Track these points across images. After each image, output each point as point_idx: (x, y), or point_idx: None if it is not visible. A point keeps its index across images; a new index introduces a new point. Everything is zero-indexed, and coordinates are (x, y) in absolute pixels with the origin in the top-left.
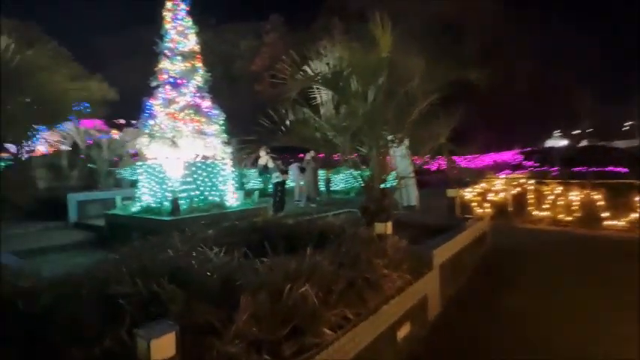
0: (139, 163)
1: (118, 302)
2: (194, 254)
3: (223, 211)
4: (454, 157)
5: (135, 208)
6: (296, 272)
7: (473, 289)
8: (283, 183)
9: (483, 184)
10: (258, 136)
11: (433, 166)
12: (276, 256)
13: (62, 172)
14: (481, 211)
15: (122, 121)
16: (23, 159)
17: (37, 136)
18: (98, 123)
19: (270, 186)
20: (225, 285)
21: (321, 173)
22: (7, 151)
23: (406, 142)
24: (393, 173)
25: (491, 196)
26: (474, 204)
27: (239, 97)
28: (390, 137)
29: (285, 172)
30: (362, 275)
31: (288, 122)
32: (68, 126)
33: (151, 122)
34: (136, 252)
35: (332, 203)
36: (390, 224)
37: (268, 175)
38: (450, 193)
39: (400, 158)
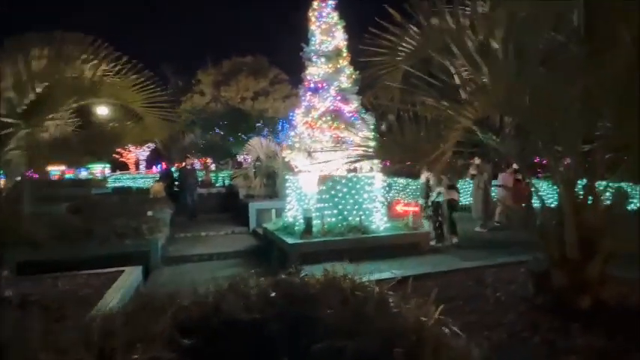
0: (287, 177)
1: None
2: None
3: (362, 237)
4: None
5: (280, 223)
6: None
7: None
8: (449, 204)
9: None
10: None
11: None
12: None
13: (251, 182)
14: None
15: None
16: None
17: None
18: None
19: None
20: None
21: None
22: (237, 163)
23: None
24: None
25: None
26: None
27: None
28: None
29: (452, 187)
30: None
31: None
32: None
33: (292, 133)
34: None
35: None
36: None
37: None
38: None
39: None
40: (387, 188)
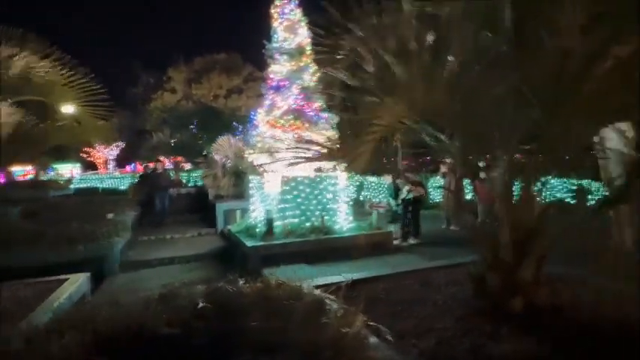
0: (251, 177)
1: None
2: None
3: (324, 238)
4: None
5: (243, 225)
6: None
7: None
8: (416, 201)
9: None
10: None
11: None
12: None
13: (220, 181)
14: None
15: None
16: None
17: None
18: None
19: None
20: None
21: None
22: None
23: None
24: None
25: None
26: None
27: None
28: None
29: (419, 184)
30: None
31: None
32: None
33: (254, 133)
34: None
35: None
36: None
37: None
38: None
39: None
40: (359, 188)
